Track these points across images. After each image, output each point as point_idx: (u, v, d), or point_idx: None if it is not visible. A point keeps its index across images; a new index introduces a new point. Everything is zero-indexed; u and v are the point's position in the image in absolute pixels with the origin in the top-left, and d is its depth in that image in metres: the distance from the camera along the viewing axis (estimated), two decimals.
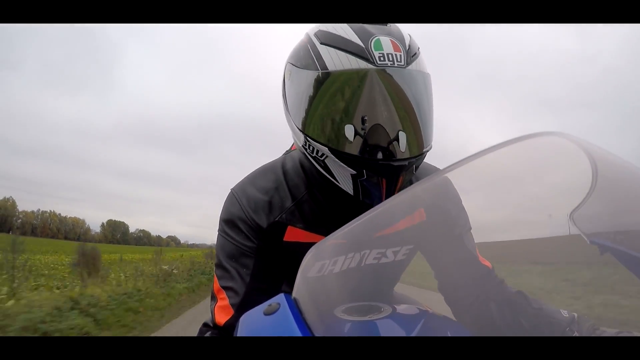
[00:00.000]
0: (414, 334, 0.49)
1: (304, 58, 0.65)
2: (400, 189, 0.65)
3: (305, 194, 0.74)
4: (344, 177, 0.64)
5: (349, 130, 0.61)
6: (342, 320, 0.50)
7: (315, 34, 0.66)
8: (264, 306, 0.51)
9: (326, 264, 0.72)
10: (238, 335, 0.50)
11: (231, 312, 0.70)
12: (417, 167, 0.66)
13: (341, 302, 0.55)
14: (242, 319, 0.54)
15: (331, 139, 0.62)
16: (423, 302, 0.88)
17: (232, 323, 0.67)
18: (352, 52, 0.60)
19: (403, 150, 0.61)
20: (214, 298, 0.73)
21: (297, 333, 0.43)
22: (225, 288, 0.72)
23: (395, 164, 0.61)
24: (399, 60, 0.60)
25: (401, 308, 0.55)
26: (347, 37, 0.62)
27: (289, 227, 0.73)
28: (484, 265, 0.75)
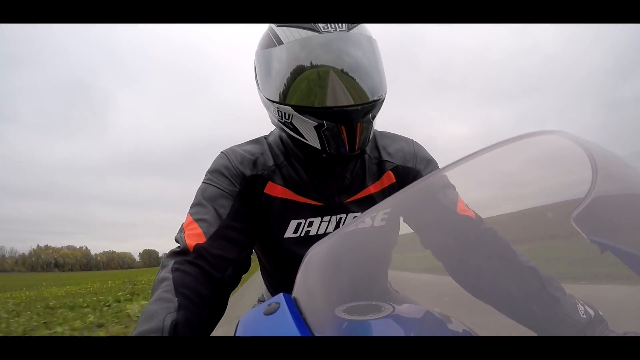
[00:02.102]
0: (413, 334, 0.49)
1: (266, 41, 0.77)
2: (361, 137, 0.73)
3: (284, 161, 0.84)
4: (309, 132, 0.73)
5: (305, 88, 0.71)
6: (342, 320, 0.50)
7: (274, 24, 0.77)
8: (263, 306, 0.51)
9: (302, 223, 0.81)
10: (238, 335, 0.50)
11: (203, 239, 0.70)
12: (374, 117, 0.75)
13: (341, 301, 0.55)
14: (242, 318, 0.54)
15: (292, 98, 0.72)
16: (423, 301, 0.88)
17: (204, 247, 0.68)
18: (301, 27, 0.71)
19: (352, 99, 0.70)
20: (181, 231, 0.73)
21: (297, 333, 0.43)
22: (199, 220, 0.73)
23: (348, 109, 0.70)
24: (340, 27, 0.71)
25: (401, 308, 0.55)
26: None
27: (269, 182, 0.82)
28: (463, 216, 0.75)
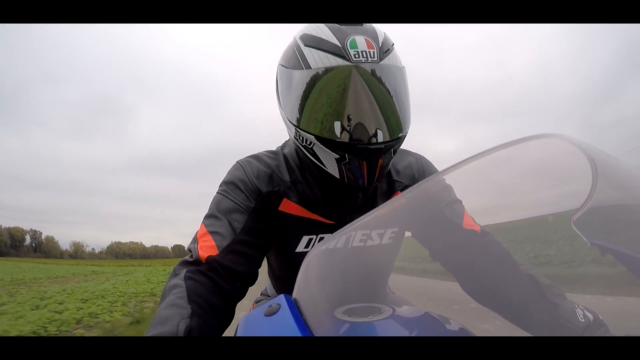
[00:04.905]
0: (413, 335, 0.49)
1: (292, 59, 0.74)
2: (380, 171, 0.72)
3: (300, 176, 0.83)
4: (329, 162, 0.72)
5: (331, 120, 0.68)
6: (342, 322, 0.50)
7: (301, 37, 0.74)
8: (264, 307, 0.51)
9: (313, 239, 0.82)
10: (238, 335, 0.50)
11: (216, 251, 0.69)
12: (395, 151, 0.73)
13: (341, 303, 0.55)
14: (242, 319, 0.54)
15: (316, 128, 0.70)
16: (422, 303, 0.88)
17: (216, 259, 0.68)
18: (331, 52, 0.68)
19: (378, 137, 0.68)
20: (195, 242, 0.73)
21: (298, 334, 0.43)
22: (213, 232, 0.72)
23: (372, 147, 0.69)
24: (372, 56, 0.68)
25: (401, 309, 0.55)
26: (327, 39, 0.70)
27: (285, 199, 0.81)
28: (469, 230, 0.77)
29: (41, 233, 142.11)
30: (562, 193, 0.53)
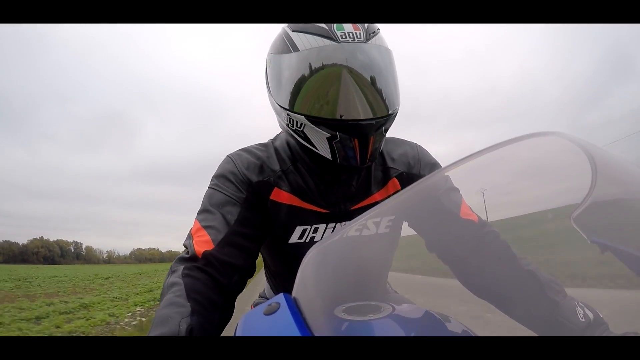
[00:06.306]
0: (413, 334, 0.49)
1: (280, 46, 0.75)
2: (372, 151, 0.72)
3: (291, 166, 0.83)
4: (321, 142, 0.72)
5: (320, 99, 0.69)
6: (342, 320, 0.50)
7: (288, 26, 0.75)
8: (264, 306, 0.51)
9: (307, 229, 0.81)
10: (238, 335, 0.50)
11: (211, 245, 0.70)
12: (386, 130, 0.74)
13: (340, 301, 0.55)
14: (242, 318, 0.54)
15: (307, 108, 0.71)
16: (420, 300, 0.88)
17: (212, 254, 0.68)
18: (318, 34, 0.69)
19: (368, 112, 0.69)
20: (190, 238, 0.73)
21: (297, 333, 0.43)
22: (207, 227, 0.73)
23: (363, 123, 0.69)
24: (359, 37, 0.69)
25: (401, 308, 0.55)
26: (314, 24, 0.71)
27: (276, 188, 0.81)
28: (466, 220, 0.76)
29: (82, 244, 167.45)
30: (561, 190, 0.53)
